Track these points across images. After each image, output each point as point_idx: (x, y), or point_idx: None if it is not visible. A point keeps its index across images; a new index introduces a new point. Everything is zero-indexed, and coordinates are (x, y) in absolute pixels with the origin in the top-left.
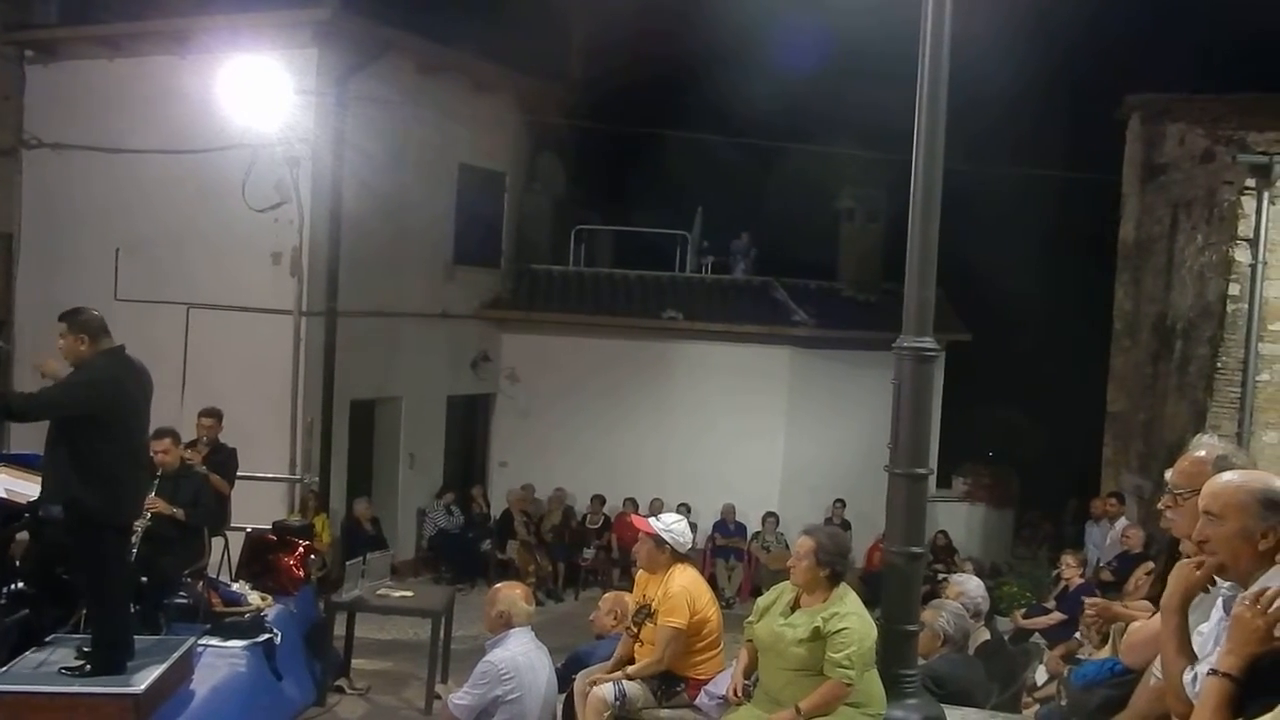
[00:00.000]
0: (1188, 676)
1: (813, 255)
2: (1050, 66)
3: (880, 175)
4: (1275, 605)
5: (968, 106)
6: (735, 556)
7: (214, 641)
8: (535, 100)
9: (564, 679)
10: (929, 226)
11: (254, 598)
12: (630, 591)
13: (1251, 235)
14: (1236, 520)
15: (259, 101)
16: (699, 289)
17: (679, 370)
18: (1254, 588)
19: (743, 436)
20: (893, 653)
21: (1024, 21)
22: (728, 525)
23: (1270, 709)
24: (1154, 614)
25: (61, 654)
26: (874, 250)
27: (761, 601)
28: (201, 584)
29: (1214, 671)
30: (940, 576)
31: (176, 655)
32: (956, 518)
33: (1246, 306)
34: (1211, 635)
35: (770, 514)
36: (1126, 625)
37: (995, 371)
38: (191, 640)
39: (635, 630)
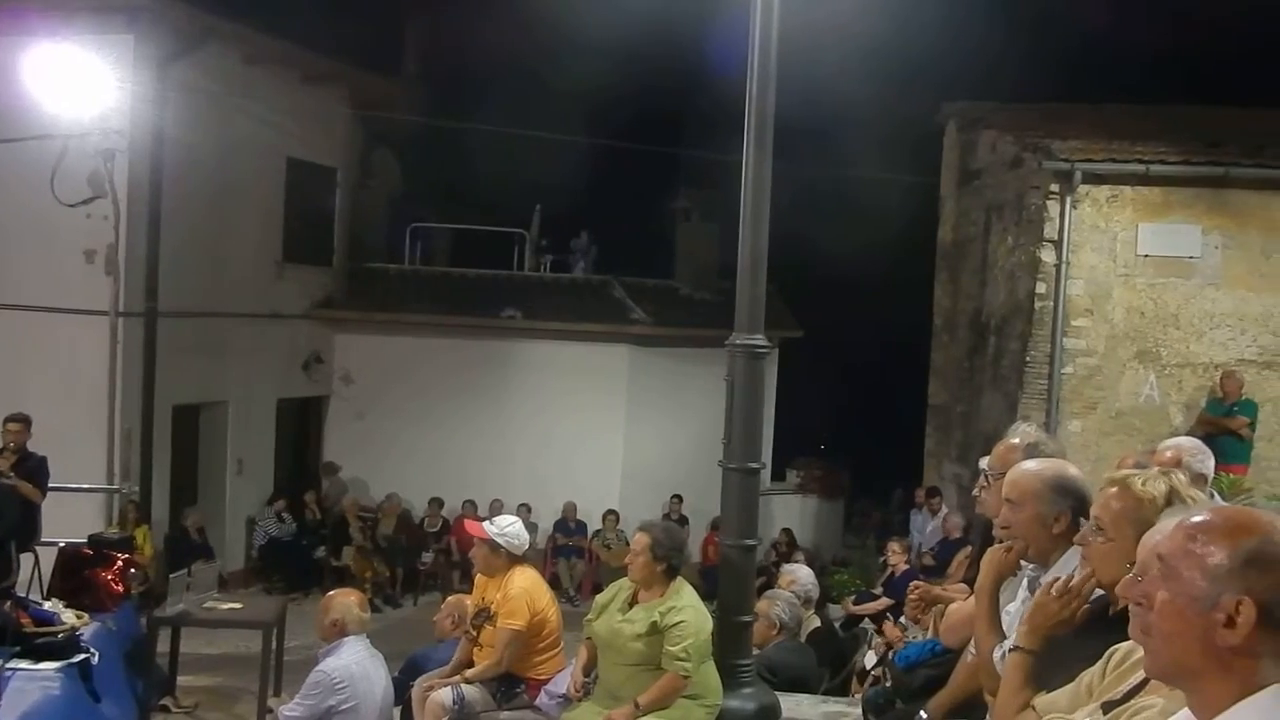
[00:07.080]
0: (996, 653)
1: (650, 254)
2: (882, 71)
3: (716, 175)
4: (1072, 591)
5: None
6: (576, 555)
7: (24, 664)
8: (369, 95)
9: (402, 685)
10: (759, 226)
11: (68, 616)
12: (470, 594)
13: (1056, 237)
14: (1032, 506)
15: (69, 90)
16: (538, 288)
17: (518, 370)
18: (1052, 571)
19: (583, 435)
20: (729, 643)
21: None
22: (569, 524)
23: (1070, 680)
24: (970, 596)
25: None
26: (710, 249)
27: (600, 598)
28: (9, 603)
29: (1017, 648)
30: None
31: None
32: (790, 510)
33: (1052, 304)
34: (1017, 614)
35: (611, 511)
36: (946, 607)
37: (827, 366)
38: None
39: (474, 633)
